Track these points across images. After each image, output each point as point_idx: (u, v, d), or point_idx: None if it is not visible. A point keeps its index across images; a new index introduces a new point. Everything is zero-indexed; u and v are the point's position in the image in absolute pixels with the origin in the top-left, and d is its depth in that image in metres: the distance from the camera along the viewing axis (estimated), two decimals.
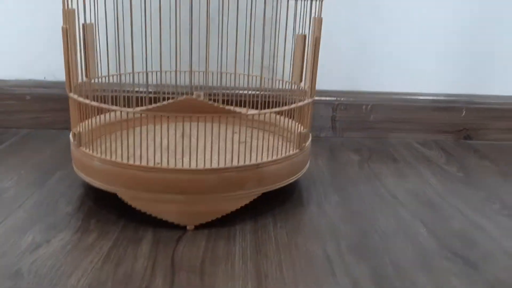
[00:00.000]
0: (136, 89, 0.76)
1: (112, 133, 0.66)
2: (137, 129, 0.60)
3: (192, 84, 0.79)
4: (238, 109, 0.53)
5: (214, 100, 0.57)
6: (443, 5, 0.86)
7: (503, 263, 0.49)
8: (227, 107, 0.51)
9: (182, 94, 0.76)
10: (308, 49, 0.64)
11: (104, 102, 0.55)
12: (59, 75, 0.87)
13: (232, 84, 0.73)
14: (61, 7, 0.56)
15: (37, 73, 0.87)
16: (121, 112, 0.53)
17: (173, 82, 0.78)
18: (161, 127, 0.53)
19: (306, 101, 0.59)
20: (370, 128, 0.91)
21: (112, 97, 0.58)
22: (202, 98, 0.77)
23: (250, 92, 0.74)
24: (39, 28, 0.85)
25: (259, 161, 0.54)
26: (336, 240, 0.52)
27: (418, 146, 0.87)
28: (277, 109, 0.57)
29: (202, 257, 0.48)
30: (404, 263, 0.48)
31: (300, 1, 0.61)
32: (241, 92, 0.75)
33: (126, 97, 0.61)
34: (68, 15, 0.57)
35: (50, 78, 0.88)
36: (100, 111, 0.58)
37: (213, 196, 0.52)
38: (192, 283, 0.43)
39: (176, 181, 0.51)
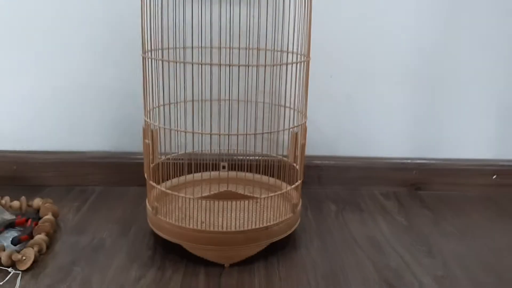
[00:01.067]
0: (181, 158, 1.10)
1: (167, 197, 1.00)
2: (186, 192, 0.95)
3: (219, 154, 1.14)
4: (256, 195, 0.87)
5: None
6: (400, 88, 1.21)
7: None
8: (249, 195, 0.86)
9: (212, 160, 1.09)
10: (299, 140, 0.98)
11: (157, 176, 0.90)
12: (122, 148, 1.22)
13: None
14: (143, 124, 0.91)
15: (107, 146, 1.22)
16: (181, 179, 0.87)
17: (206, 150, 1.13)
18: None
19: (297, 183, 0.94)
20: (346, 183, 1.25)
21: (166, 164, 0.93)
22: (226, 167, 1.12)
23: (256, 157, 1.09)
24: (109, 111, 1.19)
25: (268, 224, 0.88)
26: (315, 271, 0.86)
27: (380, 197, 1.21)
28: (280, 192, 0.91)
29: (237, 284, 0.82)
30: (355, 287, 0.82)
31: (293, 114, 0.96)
32: (249, 158, 1.10)
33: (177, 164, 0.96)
34: (152, 132, 0.91)
35: (115, 150, 1.22)
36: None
37: (239, 246, 0.87)
38: None
39: (217, 238, 0.86)
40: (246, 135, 0.85)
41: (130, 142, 1.22)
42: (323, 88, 1.19)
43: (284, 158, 1.04)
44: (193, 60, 0.85)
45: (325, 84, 1.19)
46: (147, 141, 0.91)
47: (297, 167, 0.98)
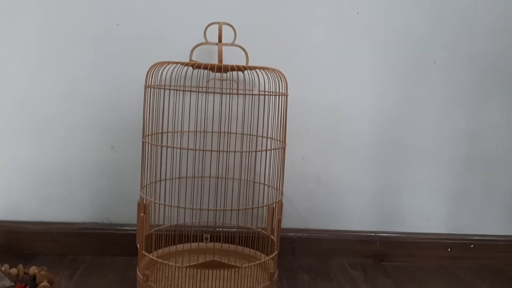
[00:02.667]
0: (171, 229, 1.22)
1: (156, 265, 1.10)
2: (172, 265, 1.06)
3: (201, 226, 1.26)
4: (240, 258, 0.99)
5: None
6: (364, 171, 1.37)
7: None
8: (232, 264, 0.97)
9: (195, 232, 1.21)
10: (275, 215, 1.11)
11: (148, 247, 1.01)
12: (112, 219, 1.33)
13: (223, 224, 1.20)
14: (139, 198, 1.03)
15: (97, 218, 1.32)
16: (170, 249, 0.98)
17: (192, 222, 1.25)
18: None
19: (274, 254, 1.06)
20: (318, 254, 1.37)
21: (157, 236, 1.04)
22: (208, 240, 1.23)
23: (235, 230, 1.21)
24: (100, 190, 1.31)
25: None
26: None
27: (348, 267, 1.33)
28: (259, 262, 1.03)
29: None
30: None
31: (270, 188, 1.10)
32: (229, 230, 1.22)
33: (166, 235, 1.07)
34: (145, 206, 1.03)
35: (106, 221, 1.33)
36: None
37: None
38: None
39: None
40: (231, 210, 0.98)
41: (119, 215, 1.32)
42: (296, 169, 1.34)
43: (262, 231, 1.16)
44: (190, 146, 1.00)
45: (298, 165, 1.34)
46: (142, 214, 1.02)
47: (274, 238, 1.10)
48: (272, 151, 1.08)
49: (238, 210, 0.99)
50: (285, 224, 1.32)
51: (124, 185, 1.30)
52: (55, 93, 1.26)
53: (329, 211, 1.38)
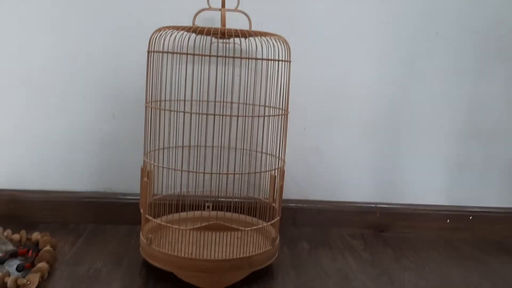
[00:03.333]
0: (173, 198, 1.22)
1: (160, 231, 1.11)
2: (174, 230, 1.07)
3: (204, 195, 1.26)
4: (242, 226, 1.00)
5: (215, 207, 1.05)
6: (363, 140, 1.38)
7: None
8: (237, 227, 0.98)
9: (197, 201, 1.22)
10: (277, 182, 1.12)
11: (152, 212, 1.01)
12: (114, 188, 1.33)
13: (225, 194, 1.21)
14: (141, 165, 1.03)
15: (99, 187, 1.33)
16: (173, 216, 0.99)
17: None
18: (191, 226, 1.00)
19: (276, 219, 1.07)
20: (318, 225, 1.38)
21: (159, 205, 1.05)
22: (210, 207, 1.24)
23: (237, 200, 1.22)
24: (103, 157, 1.31)
25: (250, 254, 1.00)
26: None
27: (348, 237, 1.35)
28: (261, 225, 1.04)
29: None
30: None
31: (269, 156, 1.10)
32: (229, 200, 1.23)
33: (169, 204, 1.08)
34: (148, 172, 1.04)
35: (108, 190, 1.33)
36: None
37: (225, 273, 0.98)
38: None
39: (207, 266, 0.97)
40: (234, 174, 0.98)
41: (121, 184, 1.33)
42: (297, 140, 1.34)
43: (264, 199, 1.17)
44: (192, 110, 1.00)
45: (298, 136, 1.35)
46: (145, 179, 1.03)
47: (275, 206, 1.11)
48: (274, 118, 1.08)
49: (241, 174, 0.99)
50: (286, 195, 1.33)
51: (127, 154, 1.30)
52: (57, 59, 1.26)
53: (330, 182, 1.39)
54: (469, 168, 1.42)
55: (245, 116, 1.12)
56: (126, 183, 1.32)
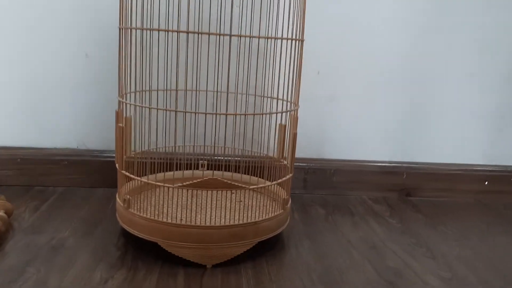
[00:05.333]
0: (158, 157, 1.00)
1: (142, 193, 0.89)
2: (160, 190, 0.85)
3: (195, 152, 1.04)
4: (245, 183, 0.78)
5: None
6: (386, 97, 1.15)
7: None
8: (239, 184, 0.76)
9: (188, 160, 1.00)
10: (290, 129, 0.89)
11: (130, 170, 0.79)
12: (89, 144, 1.10)
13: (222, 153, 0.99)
14: (113, 109, 0.80)
15: (72, 143, 1.10)
16: (156, 176, 0.76)
17: (182, 151, 1.03)
18: (177, 190, 0.77)
19: (289, 176, 0.85)
20: (333, 187, 1.16)
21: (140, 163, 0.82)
22: (205, 166, 1.02)
23: (236, 159, 0.99)
24: (74, 107, 1.08)
25: (256, 219, 0.78)
26: (309, 274, 0.76)
27: (370, 202, 1.13)
28: (270, 183, 0.82)
29: (221, 286, 0.71)
30: None
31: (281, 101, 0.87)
32: (228, 159, 1.00)
33: (151, 163, 0.86)
34: (121, 115, 0.81)
35: (82, 147, 1.10)
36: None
37: (224, 244, 0.76)
38: None
39: (198, 234, 0.75)
40: (235, 115, 0.75)
41: (97, 139, 1.10)
42: (310, 88, 1.11)
43: (270, 156, 0.95)
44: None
45: (311, 82, 1.11)
46: (120, 125, 0.80)
47: (286, 161, 0.89)
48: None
49: (244, 115, 0.77)
50: (296, 153, 1.11)
51: (103, 102, 1.07)
52: None
53: (347, 138, 1.17)
54: (511, 123, 1.20)
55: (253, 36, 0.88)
56: (103, 137, 1.09)
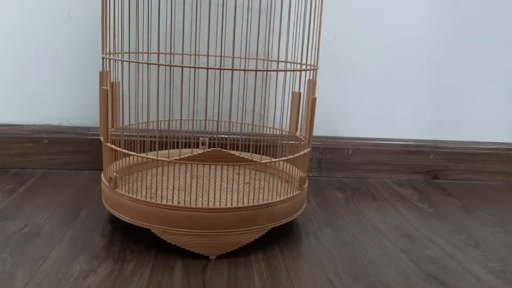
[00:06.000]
0: (150, 134, 0.87)
1: (132, 175, 0.76)
2: (154, 170, 0.71)
3: (194, 129, 0.91)
4: (254, 158, 0.64)
5: (212, 145, 0.69)
6: (413, 67, 1.01)
7: (470, 283, 0.61)
8: (246, 157, 0.63)
9: (186, 138, 0.87)
10: (303, 104, 0.76)
11: (119, 147, 0.65)
12: (73, 121, 0.97)
13: (227, 130, 0.85)
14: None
15: (53, 119, 0.96)
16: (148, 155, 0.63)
17: (179, 128, 0.89)
18: (174, 168, 0.64)
19: (306, 150, 0.71)
20: (351, 169, 1.03)
21: (128, 142, 0.69)
22: (206, 144, 0.89)
23: (242, 137, 0.86)
24: (55, 78, 0.94)
25: (270, 201, 0.65)
26: (334, 266, 0.63)
27: (393, 185, 1.00)
28: (286, 158, 0.68)
29: (228, 281, 0.57)
30: (391, 283, 0.59)
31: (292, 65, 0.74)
32: (235, 137, 0.87)
33: (142, 142, 0.72)
34: (106, 77, 0.67)
35: (65, 123, 0.97)
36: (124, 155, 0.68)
37: (231, 231, 0.62)
38: None
39: (200, 218, 0.61)
40: (240, 70, 0.62)
41: (83, 114, 0.97)
42: (325, 55, 0.97)
43: (283, 130, 0.82)
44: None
45: (327, 48, 0.97)
46: (104, 87, 0.66)
47: (302, 135, 0.75)
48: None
49: (254, 71, 0.63)
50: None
51: (90, 71, 0.93)
52: None
53: (367, 113, 1.03)
54: None
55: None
56: (90, 113, 0.96)
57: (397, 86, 1.02)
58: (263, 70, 0.62)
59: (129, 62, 0.62)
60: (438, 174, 1.05)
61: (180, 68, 0.63)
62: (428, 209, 0.87)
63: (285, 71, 0.67)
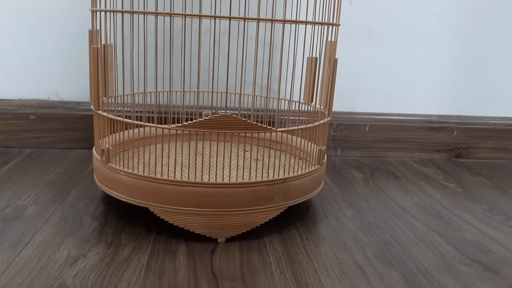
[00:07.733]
0: (148, 109, 0.78)
1: (127, 151, 0.67)
2: (152, 147, 0.63)
3: (198, 104, 0.82)
4: (271, 128, 0.55)
5: None
6: (437, 34, 0.92)
7: None
8: (259, 124, 0.54)
9: (189, 113, 0.78)
10: (320, 71, 0.67)
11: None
12: (63, 95, 0.88)
13: (237, 105, 0.76)
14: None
15: (41, 93, 0.87)
16: (145, 128, 0.54)
17: (181, 102, 0.80)
18: (175, 144, 0.55)
19: (326, 119, 0.63)
20: (368, 147, 0.94)
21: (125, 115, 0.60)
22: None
23: (254, 112, 0.77)
24: (42, 48, 0.85)
25: (286, 176, 0.56)
26: (362, 250, 0.55)
27: (414, 164, 0.92)
28: (305, 126, 0.59)
29: (240, 268, 0.49)
30: (430, 269, 0.51)
31: (312, 26, 0.65)
32: (246, 112, 0.78)
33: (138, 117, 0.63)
34: (96, 35, 0.58)
35: (53, 98, 0.88)
36: (123, 127, 0.59)
37: (243, 210, 0.54)
38: None
39: (206, 195, 0.53)
40: (258, 20, 0.52)
41: (73, 88, 0.88)
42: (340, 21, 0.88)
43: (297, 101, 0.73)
44: None
45: (342, 13, 0.88)
46: (94, 46, 0.57)
47: (319, 105, 0.66)
48: None
49: (265, 21, 0.54)
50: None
51: (81, 39, 0.84)
52: None
53: (385, 86, 0.94)
54: None
55: None
56: (80, 86, 0.87)
57: (418, 55, 0.93)
58: (291, 22, 0.53)
59: (122, 12, 0.52)
60: (462, 152, 0.97)
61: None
62: (457, 189, 0.78)
63: (313, 23, 0.58)
